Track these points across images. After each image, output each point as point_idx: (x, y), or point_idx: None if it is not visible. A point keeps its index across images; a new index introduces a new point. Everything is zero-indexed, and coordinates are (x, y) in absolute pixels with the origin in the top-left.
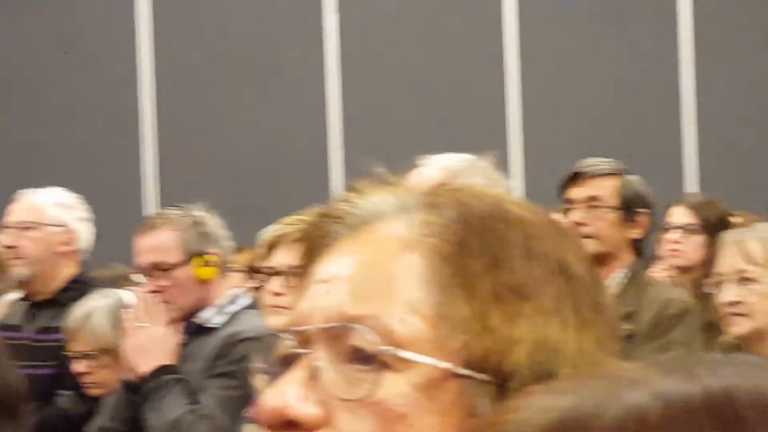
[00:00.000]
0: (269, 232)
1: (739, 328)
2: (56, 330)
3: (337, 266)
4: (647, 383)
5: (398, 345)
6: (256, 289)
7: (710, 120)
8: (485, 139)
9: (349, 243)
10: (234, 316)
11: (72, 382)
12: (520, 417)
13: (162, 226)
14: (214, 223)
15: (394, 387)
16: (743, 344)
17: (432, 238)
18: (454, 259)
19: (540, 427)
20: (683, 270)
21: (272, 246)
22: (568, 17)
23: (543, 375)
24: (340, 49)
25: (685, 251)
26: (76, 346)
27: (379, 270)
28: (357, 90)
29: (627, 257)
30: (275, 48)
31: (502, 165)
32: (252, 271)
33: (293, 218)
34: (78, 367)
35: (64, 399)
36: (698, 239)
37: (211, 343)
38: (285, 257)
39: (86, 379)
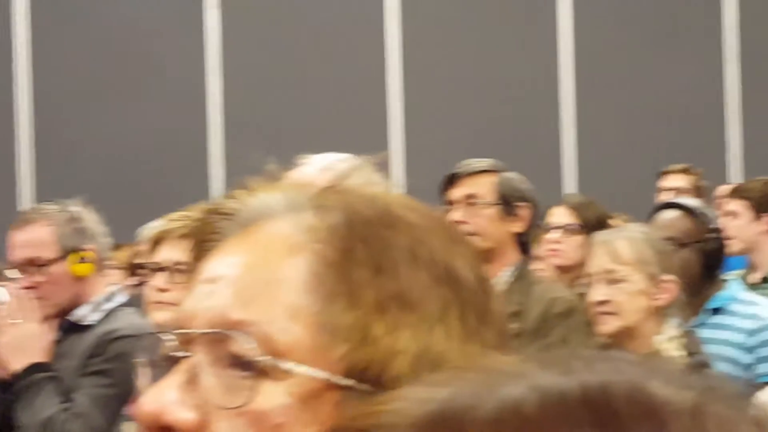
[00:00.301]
0: (153, 228)
1: (608, 326)
2: None
3: (223, 266)
4: (524, 377)
5: (278, 353)
6: (137, 285)
7: (589, 122)
8: (367, 138)
9: (237, 241)
10: (110, 313)
11: None
12: (396, 407)
13: (37, 221)
14: (90, 219)
15: (272, 396)
16: (614, 342)
17: (318, 243)
18: (338, 266)
19: (415, 417)
20: (563, 270)
21: (157, 242)
22: (450, 17)
23: None
24: (221, 45)
25: (564, 251)
26: None
27: (263, 273)
28: (238, 87)
29: (512, 254)
30: (156, 44)
31: (384, 166)
32: (134, 267)
33: (178, 214)
34: None
35: None
36: (577, 239)
37: (86, 341)
38: (170, 253)
39: None
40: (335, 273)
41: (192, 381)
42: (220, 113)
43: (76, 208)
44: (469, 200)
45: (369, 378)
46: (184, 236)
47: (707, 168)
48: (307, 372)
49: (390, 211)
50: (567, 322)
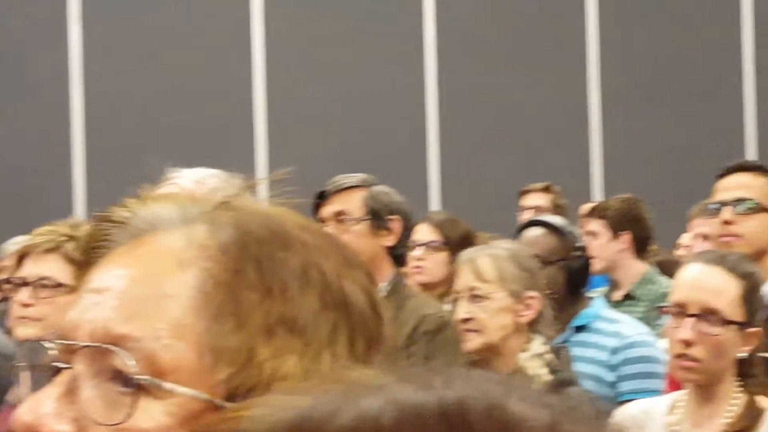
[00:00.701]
0: (17, 243)
1: (472, 343)
2: None
3: (109, 277)
4: (384, 390)
5: (160, 371)
6: (1, 301)
7: (454, 141)
8: (234, 155)
9: (126, 252)
10: None
11: None
12: (255, 415)
13: None
14: None
15: (151, 415)
16: (479, 359)
17: (208, 260)
18: (228, 286)
19: (273, 425)
20: (427, 286)
21: (22, 256)
22: (315, 30)
23: None
24: (82, 57)
25: (428, 268)
26: None
27: (150, 287)
28: (100, 100)
29: (385, 268)
30: (18, 53)
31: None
32: None
33: (44, 229)
34: None
35: None
36: (441, 256)
37: None
38: (35, 268)
39: None
40: (224, 293)
41: (71, 393)
42: (81, 127)
43: None
44: (339, 217)
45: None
46: (49, 251)
47: (571, 186)
48: (188, 393)
49: (284, 231)
50: (436, 339)
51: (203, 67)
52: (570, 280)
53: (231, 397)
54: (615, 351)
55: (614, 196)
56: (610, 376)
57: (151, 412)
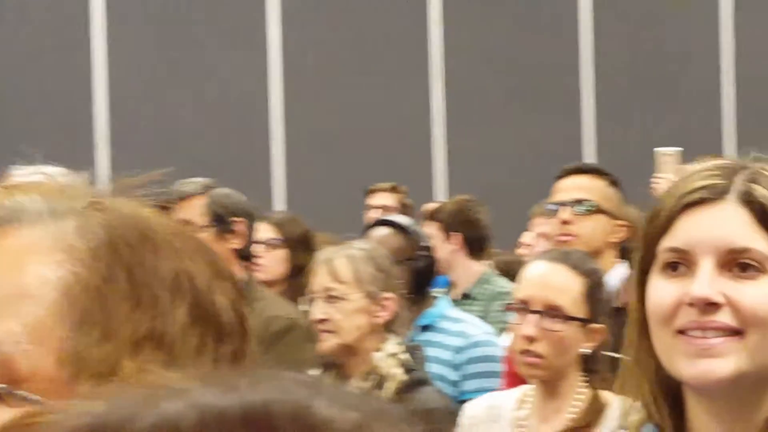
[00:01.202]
0: None
1: (327, 344)
2: None
3: None
4: (186, 394)
5: (16, 378)
6: None
7: (298, 141)
8: (73, 155)
9: None
10: None
11: None
12: (52, 419)
13: None
14: None
15: (1, 423)
16: (335, 360)
17: (76, 263)
18: (97, 293)
19: (70, 429)
20: (267, 284)
21: None
22: (153, 35)
23: None
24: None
25: (267, 266)
26: None
27: (10, 285)
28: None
29: (236, 272)
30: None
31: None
32: None
33: None
34: None
35: None
36: (280, 254)
37: None
38: None
39: None
40: (92, 300)
41: None
42: None
43: None
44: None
45: None
46: None
47: (415, 186)
48: (42, 403)
49: (155, 236)
50: (284, 341)
51: (41, 58)
52: (416, 280)
53: None
54: (459, 350)
55: (456, 196)
56: (453, 375)
57: (2, 420)
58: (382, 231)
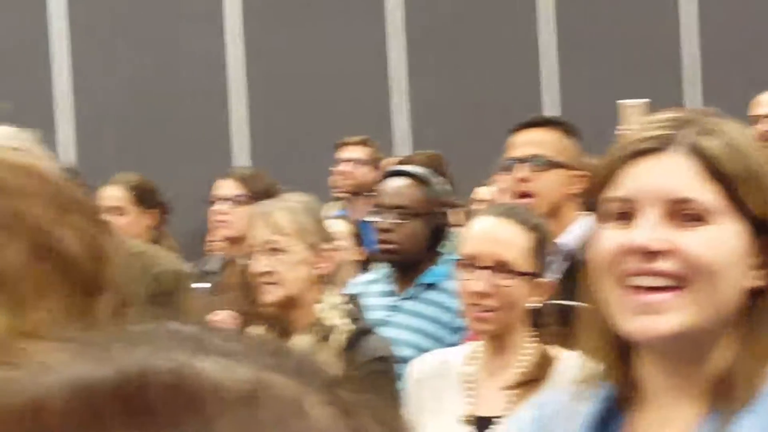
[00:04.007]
0: None
1: (271, 296)
2: None
3: None
4: (54, 369)
5: None
6: None
7: (261, 95)
8: (32, 114)
9: None
10: None
11: None
12: None
13: None
14: None
15: None
16: (278, 312)
17: None
18: None
19: None
20: (233, 240)
21: None
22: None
23: None
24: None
25: (233, 221)
26: None
27: None
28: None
29: None
30: None
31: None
32: None
33: None
34: None
35: None
36: (246, 210)
37: None
38: None
39: None
40: None
41: None
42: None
43: None
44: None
45: None
46: None
47: (375, 139)
48: None
49: None
50: (173, 296)
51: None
52: (428, 236)
53: None
54: (461, 313)
55: (417, 150)
56: (450, 338)
57: None
58: (398, 181)
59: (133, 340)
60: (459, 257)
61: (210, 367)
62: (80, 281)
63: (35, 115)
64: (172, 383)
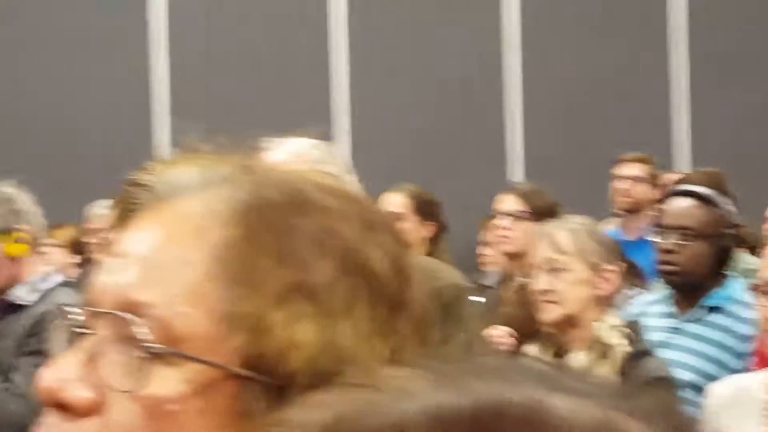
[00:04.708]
0: (102, 206)
1: (550, 314)
2: None
3: (133, 242)
4: (416, 395)
5: (175, 339)
6: (81, 264)
7: (535, 107)
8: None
9: (150, 217)
10: (46, 293)
11: None
12: (279, 429)
13: None
14: (24, 199)
15: (167, 383)
16: (556, 330)
17: (222, 226)
18: (242, 252)
19: None
20: (512, 256)
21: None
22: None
23: (325, 381)
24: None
25: (513, 237)
26: None
27: (169, 253)
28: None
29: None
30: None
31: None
32: (79, 245)
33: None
34: None
35: None
36: (527, 226)
37: (23, 321)
38: None
39: None
40: (237, 259)
41: (93, 359)
42: (166, 87)
43: (9, 189)
44: None
45: (266, 370)
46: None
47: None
48: (203, 360)
49: (301, 195)
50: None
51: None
52: (714, 258)
53: (246, 364)
54: (746, 339)
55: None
56: (734, 363)
57: (167, 379)
58: (683, 201)
59: (487, 373)
60: (757, 282)
61: (561, 405)
62: (385, 298)
63: (314, 125)
64: (526, 417)
